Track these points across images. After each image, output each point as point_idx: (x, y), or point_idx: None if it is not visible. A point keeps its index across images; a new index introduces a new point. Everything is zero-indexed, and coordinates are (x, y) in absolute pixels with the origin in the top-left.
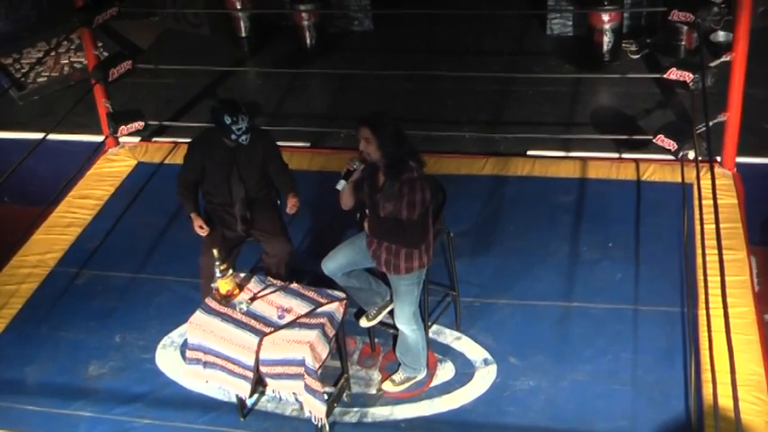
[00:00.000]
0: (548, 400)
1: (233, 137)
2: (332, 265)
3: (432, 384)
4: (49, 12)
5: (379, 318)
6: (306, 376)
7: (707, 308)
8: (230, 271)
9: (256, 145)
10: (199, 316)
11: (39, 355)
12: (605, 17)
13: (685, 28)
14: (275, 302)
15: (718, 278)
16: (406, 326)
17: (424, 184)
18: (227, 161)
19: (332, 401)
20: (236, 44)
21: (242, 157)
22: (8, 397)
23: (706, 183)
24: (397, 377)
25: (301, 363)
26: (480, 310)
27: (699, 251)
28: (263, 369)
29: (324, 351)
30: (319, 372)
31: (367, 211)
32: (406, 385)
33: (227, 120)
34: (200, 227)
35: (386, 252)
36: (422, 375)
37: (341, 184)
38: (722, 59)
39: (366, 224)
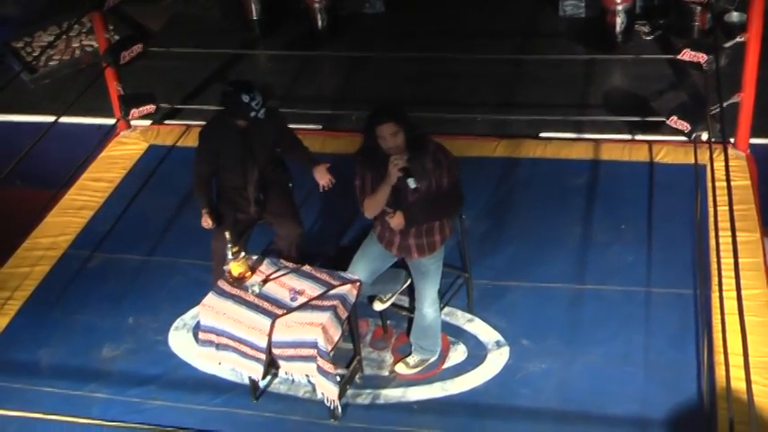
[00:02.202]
0: (560, 382)
1: (252, 114)
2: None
3: (444, 366)
4: None
5: (392, 301)
6: (318, 358)
7: (720, 290)
8: (242, 253)
9: (269, 124)
10: (211, 298)
11: (52, 338)
12: None
13: (699, 8)
14: (287, 284)
15: (731, 260)
16: (431, 307)
17: (453, 158)
18: (240, 143)
19: (344, 383)
20: (247, 27)
21: (255, 138)
22: (22, 379)
23: (719, 164)
24: (411, 360)
25: (314, 345)
26: (493, 293)
27: (712, 233)
28: (275, 351)
29: (336, 333)
30: (332, 354)
31: (387, 209)
32: (421, 368)
33: (246, 98)
34: (207, 222)
35: (415, 237)
36: (435, 357)
37: (413, 182)
38: (736, 40)
39: (396, 220)
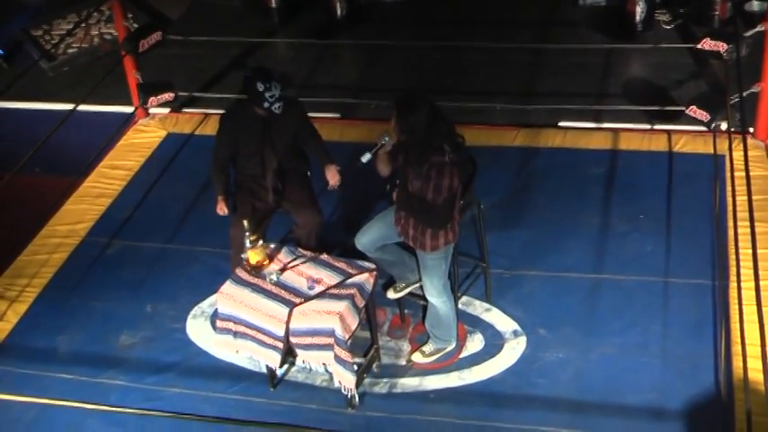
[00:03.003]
0: (577, 372)
1: (266, 104)
2: (364, 239)
3: (461, 356)
4: None
5: (406, 291)
6: (335, 347)
7: (738, 280)
8: (260, 242)
9: (289, 114)
10: (229, 286)
11: (70, 325)
12: None
13: None
14: (305, 273)
15: (750, 250)
16: (437, 298)
17: (454, 170)
18: (260, 131)
19: (361, 372)
20: (266, 15)
21: (274, 127)
22: (41, 365)
23: (738, 154)
24: (426, 348)
25: (331, 333)
26: (510, 282)
27: (730, 223)
28: (293, 339)
29: (353, 322)
30: (349, 342)
31: (398, 182)
32: (436, 356)
33: (260, 87)
34: (222, 209)
35: (413, 228)
36: (452, 346)
37: (365, 158)
38: (757, 29)
39: (395, 195)
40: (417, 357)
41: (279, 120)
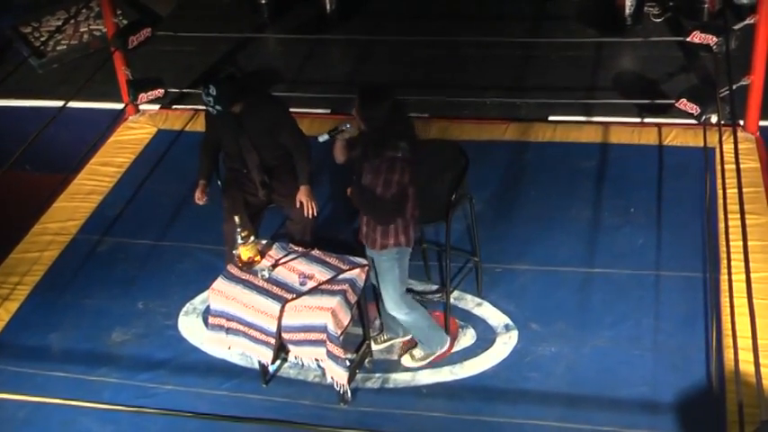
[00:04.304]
0: (569, 365)
1: (209, 107)
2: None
3: (453, 350)
4: None
5: (385, 345)
6: (328, 342)
7: (729, 273)
8: (252, 238)
9: (259, 113)
10: (221, 283)
11: (62, 322)
12: None
13: None
14: (297, 269)
15: (741, 243)
16: (396, 311)
17: (406, 167)
18: (233, 128)
19: (354, 368)
20: (256, 11)
21: (248, 125)
22: (33, 363)
23: (729, 147)
24: (416, 352)
25: (323, 329)
26: (502, 276)
27: (721, 216)
28: (285, 335)
29: (346, 317)
30: (341, 338)
31: (354, 177)
32: (426, 361)
33: (203, 90)
34: (198, 197)
35: (365, 225)
36: (441, 350)
37: (322, 137)
38: (746, 22)
39: (349, 189)
40: (407, 360)
41: (251, 119)
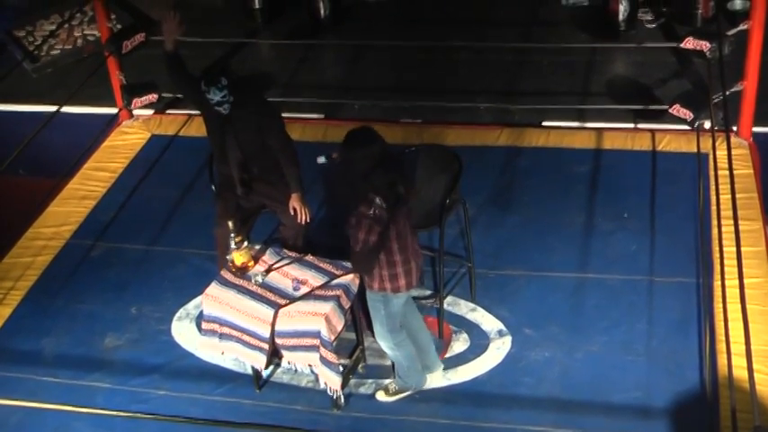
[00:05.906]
0: (562, 371)
1: (213, 106)
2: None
3: (446, 356)
4: None
5: (396, 398)
6: (321, 348)
7: (722, 278)
8: (245, 243)
9: (246, 113)
10: (214, 288)
11: (55, 327)
12: None
13: None
14: (290, 274)
15: (734, 249)
16: (383, 343)
17: (374, 226)
18: (221, 126)
19: (347, 373)
20: (250, 15)
21: (235, 124)
22: (26, 368)
23: (722, 153)
24: (391, 386)
25: (316, 334)
26: (495, 282)
27: (714, 221)
28: (278, 341)
29: (339, 323)
30: (334, 344)
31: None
32: (399, 396)
33: (203, 87)
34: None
35: None
36: (415, 389)
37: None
38: (739, 28)
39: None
40: (381, 396)
41: (237, 118)
